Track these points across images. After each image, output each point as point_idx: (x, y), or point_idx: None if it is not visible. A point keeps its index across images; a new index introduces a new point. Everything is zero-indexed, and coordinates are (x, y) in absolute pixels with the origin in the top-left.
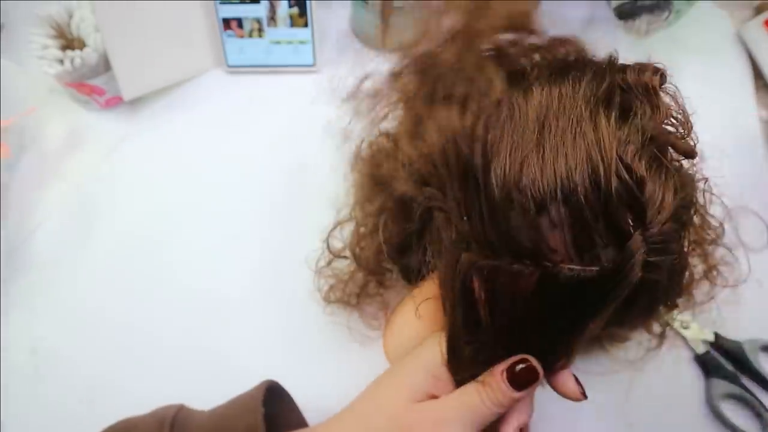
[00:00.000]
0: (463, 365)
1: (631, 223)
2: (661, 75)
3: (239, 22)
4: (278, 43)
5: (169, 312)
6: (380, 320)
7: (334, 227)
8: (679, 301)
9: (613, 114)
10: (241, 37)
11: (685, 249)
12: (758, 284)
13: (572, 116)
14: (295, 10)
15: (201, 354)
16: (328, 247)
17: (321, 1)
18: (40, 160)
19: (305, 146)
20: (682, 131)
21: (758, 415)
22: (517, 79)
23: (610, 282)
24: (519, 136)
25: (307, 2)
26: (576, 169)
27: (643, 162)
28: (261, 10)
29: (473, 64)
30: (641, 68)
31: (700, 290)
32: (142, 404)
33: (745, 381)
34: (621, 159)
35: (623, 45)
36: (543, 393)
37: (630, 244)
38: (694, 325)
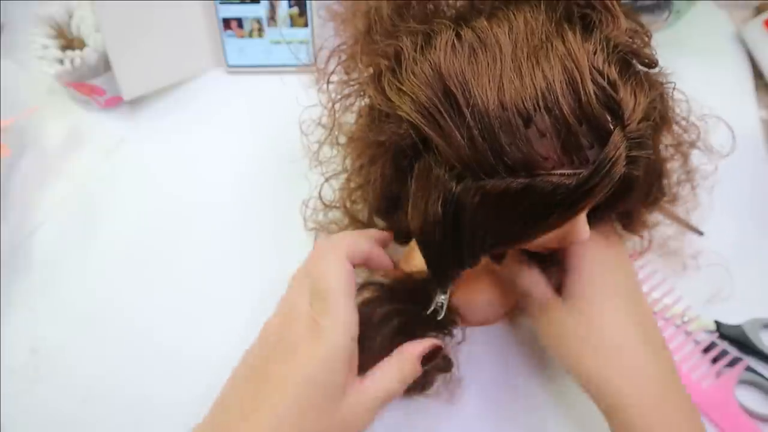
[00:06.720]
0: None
1: (611, 122)
2: None
3: (239, 22)
4: (278, 43)
5: (170, 311)
6: None
7: (325, 181)
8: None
9: (577, 28)
10: (241, 37)
11: (662, 149)
12: (746, 263)
13: (540, 35)
14: (295, 10)
15: (202, 354)
16: (321, 198)
17: (321, 1)
18: (40, 160)
19: (305, 146)
20: (640, 42)
21: None
22: (473, 14)
23: (596, 178)
24: (494, 60)
25: (307, 2)
26: (554, 79)
27: (613, 67)
28: (261, 10)
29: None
30: None
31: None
32: (142, 404)
33: (754, 363)
34: (593, 66)
35: None
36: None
37: (612, 140)
38: (695, 319)
